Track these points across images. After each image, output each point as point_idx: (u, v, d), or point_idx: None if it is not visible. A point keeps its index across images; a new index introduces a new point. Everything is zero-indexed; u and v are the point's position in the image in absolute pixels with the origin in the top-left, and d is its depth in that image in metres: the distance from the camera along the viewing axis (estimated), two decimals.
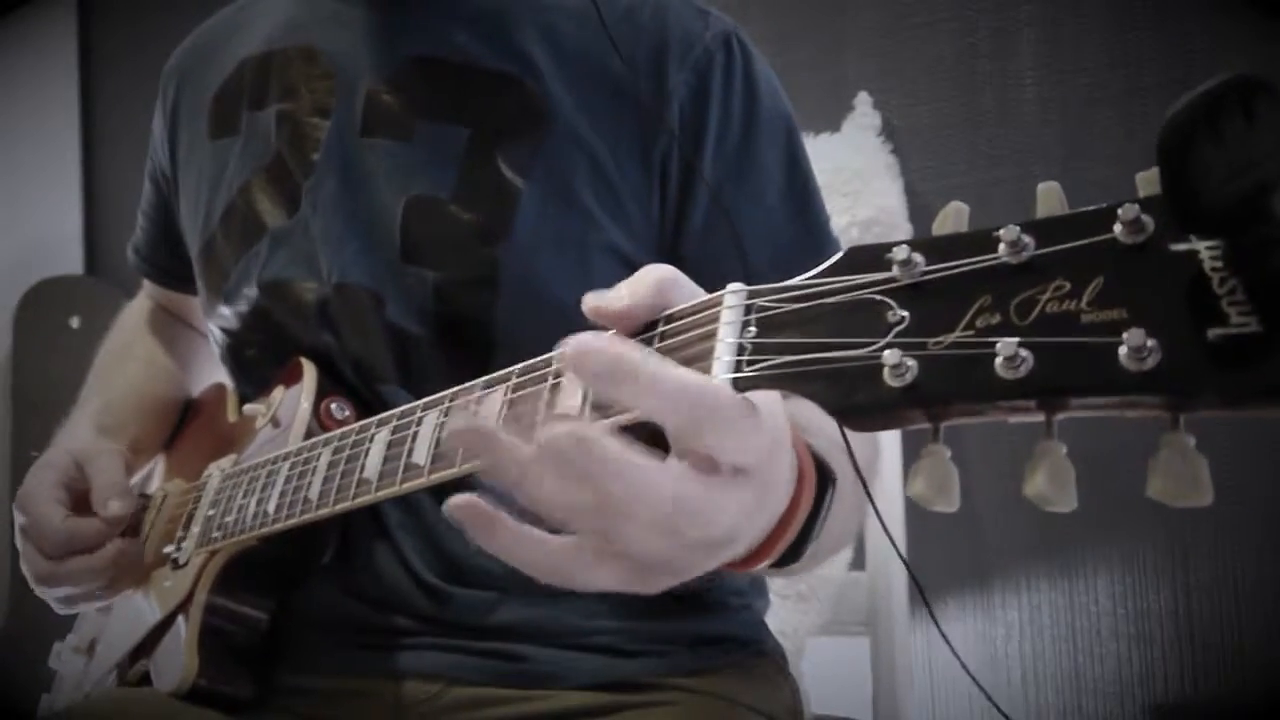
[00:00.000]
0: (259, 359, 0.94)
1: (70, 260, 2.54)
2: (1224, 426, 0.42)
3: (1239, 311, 0.33)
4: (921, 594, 0.73)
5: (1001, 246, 0.39)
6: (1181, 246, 0.35)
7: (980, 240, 0.40)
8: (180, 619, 0.86)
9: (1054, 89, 1.65)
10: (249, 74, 0.97)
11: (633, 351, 0.45)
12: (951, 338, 0.39)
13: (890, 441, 1.35)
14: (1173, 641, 1.52)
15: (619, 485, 0.45)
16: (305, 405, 0.85)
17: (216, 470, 0.91)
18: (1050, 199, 0.40)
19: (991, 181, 1.68)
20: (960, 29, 1.72)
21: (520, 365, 0.59)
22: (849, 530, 0.73)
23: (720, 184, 0.84)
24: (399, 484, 0.65)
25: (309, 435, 0.83)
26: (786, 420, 0.50)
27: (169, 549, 0.91)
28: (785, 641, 1.00)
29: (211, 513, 0.87)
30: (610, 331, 0.52)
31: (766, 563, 0.54)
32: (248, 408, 0.94)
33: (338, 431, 0.77)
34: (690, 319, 0.50)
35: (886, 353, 0.40)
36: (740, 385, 0.46)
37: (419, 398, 0.82)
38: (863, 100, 1.74)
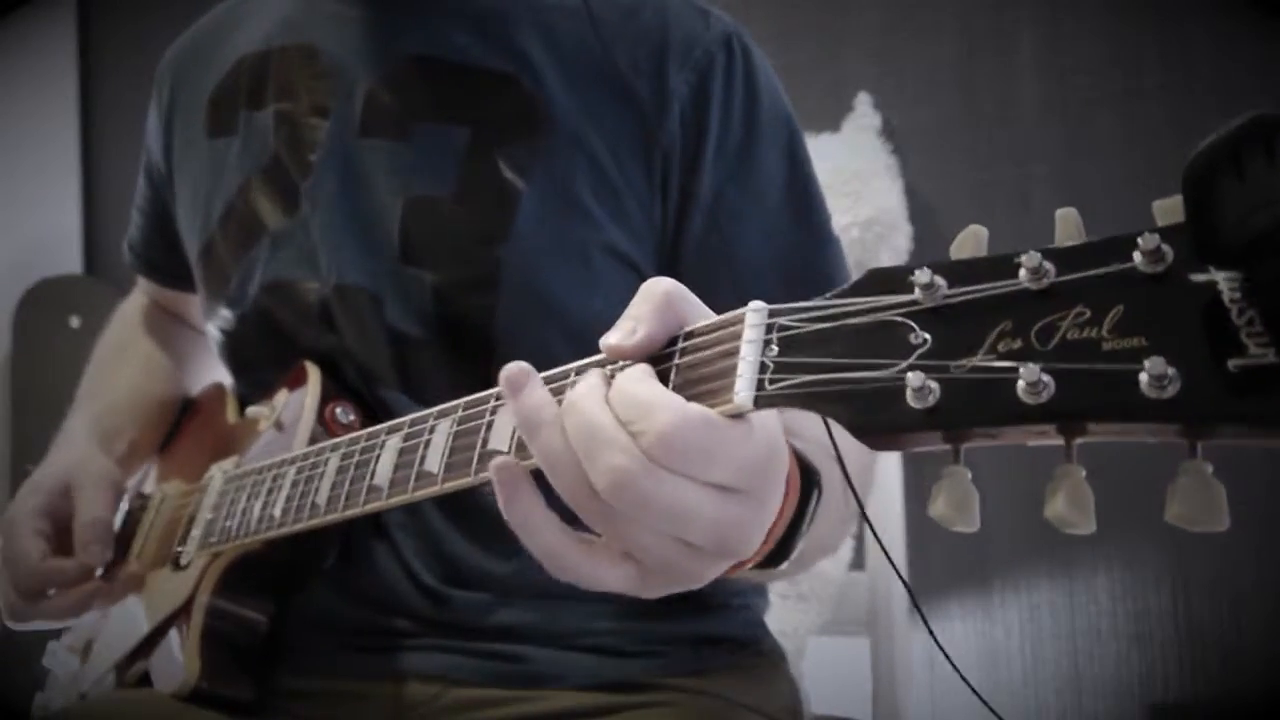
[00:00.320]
0: (259, 359, 0.94)
1: (70, 260, 2.53)
2: None
3: (1257, 343, 0.34)
4: (914, 602, 0.74)
5: (1022, 272, 0.40)
6: (1201, 277, 0.36)
7: (1001, 265, 0.41)
8: (181, 621, 0.86)
9: (1054, 89, 1.65)
10: (246, 73, 0.96)
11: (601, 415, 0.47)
12: (974, 361, 0.40)
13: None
14: (1172, 641, 1.53)
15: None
16: (310, 409, 0.85)
17: (218, 472, 0.91)
18: (1068, 225, 0.40)
19: (991, 181, 1.68)
20: (960, 29, 1.72)
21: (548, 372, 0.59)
22: (838, 533, 0.74)
23: (722, 185, 0.83)
24: (411, 491, 0.65)
25: (313, 440, 0.83)
26: (780, 428, 0.50)
27: (170, 550, 0.91)
28: (785, 641, 1.00)
29: (214, 515, 0.87)
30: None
31: (749, 566, 0.55)
32: (251, 410, 0.94)
33: (346, 437, 0.77)
34: (711, 337, 0.50)
35: (910, 375, 0.41)
36: (763, 404, 0.46)
37: (418, 402, 0.82)
38: (863, 100, 1.74)
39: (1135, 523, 1.53)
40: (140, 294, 1.18)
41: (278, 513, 0.79)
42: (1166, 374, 0.35)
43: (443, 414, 0.66)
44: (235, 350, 0.96)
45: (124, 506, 0.98)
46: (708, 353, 0.50)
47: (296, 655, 0.88)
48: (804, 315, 0.47)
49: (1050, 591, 1.61)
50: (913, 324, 0.42)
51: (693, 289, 0.53)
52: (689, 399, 0.48)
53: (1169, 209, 0.38)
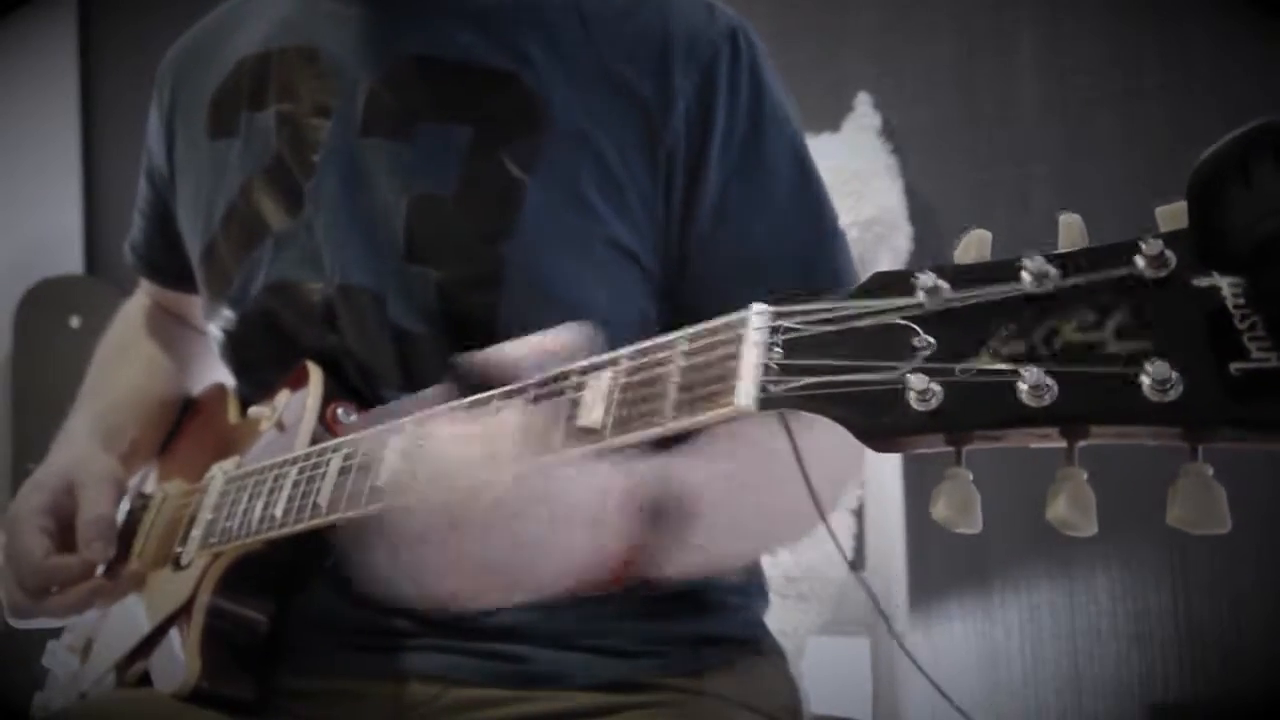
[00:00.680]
0: (261, 360, 0.94)
1: (70, 260, 2.54)
2: None
3: (1259, 347, 0.34)
4: (878, 607, 0.75)
5: (1025, 276, 0.40)
6: (1204, 282, 0.36)
7: (1004, 269, 0.41)
8: (182, 621, 0.86)
9: (1054, 89, 1.65)
10: (247, 74, 0.96)
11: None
12: (976, 364, 0.40)
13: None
14: (1172, 641, 1.53)
15: None
16: (312, 409, 0.85)
17: (219, 472, 0.91)
18: (1072, 231, 0.41)
19: (991, 181, 1.68)
20: (960, 28, 1.72)
21: (540, 377, 0.60)
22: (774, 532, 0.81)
23: (728, 179, 0.83)
24: None
25: (315, 440, 0.83)
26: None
27: (171, 550, 0.91)
28: (785, 641, 1.00)
29: (215, 515, 0.87)
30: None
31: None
32: (252, 410, 0.94)
33: (349, 438, 0.77)
34: (714, 338, 0.50)
35: (912, 377, 0.41)
36: (766, 405, 0.46)
37: None
38: (863, 100, 1.75)
39: (1135, 523, 1.53)
40: (142, 295, 1.18)
41: (279, 513, 0.79)
42: (1169, 377, 0.35)
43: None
44: (237, 350, 0.96)
45: (125, 506, 0.98)
46: (710, 355, 0.50)
47: (297, 655, 0.88)
48: (808, 317, 0.47)
49: (1050, 591, 1.61)
50: (916, 327, 0.43)
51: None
52: (691, 400, 0.48)
53: (1172, 215, 0.38)
